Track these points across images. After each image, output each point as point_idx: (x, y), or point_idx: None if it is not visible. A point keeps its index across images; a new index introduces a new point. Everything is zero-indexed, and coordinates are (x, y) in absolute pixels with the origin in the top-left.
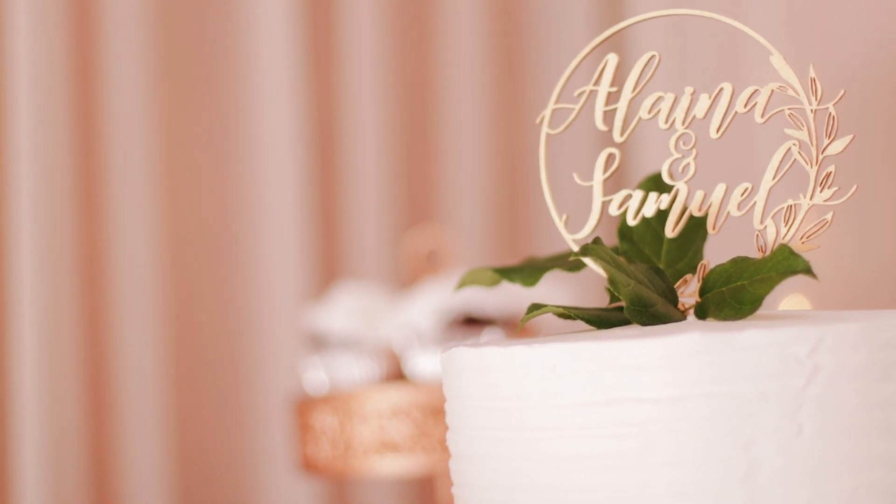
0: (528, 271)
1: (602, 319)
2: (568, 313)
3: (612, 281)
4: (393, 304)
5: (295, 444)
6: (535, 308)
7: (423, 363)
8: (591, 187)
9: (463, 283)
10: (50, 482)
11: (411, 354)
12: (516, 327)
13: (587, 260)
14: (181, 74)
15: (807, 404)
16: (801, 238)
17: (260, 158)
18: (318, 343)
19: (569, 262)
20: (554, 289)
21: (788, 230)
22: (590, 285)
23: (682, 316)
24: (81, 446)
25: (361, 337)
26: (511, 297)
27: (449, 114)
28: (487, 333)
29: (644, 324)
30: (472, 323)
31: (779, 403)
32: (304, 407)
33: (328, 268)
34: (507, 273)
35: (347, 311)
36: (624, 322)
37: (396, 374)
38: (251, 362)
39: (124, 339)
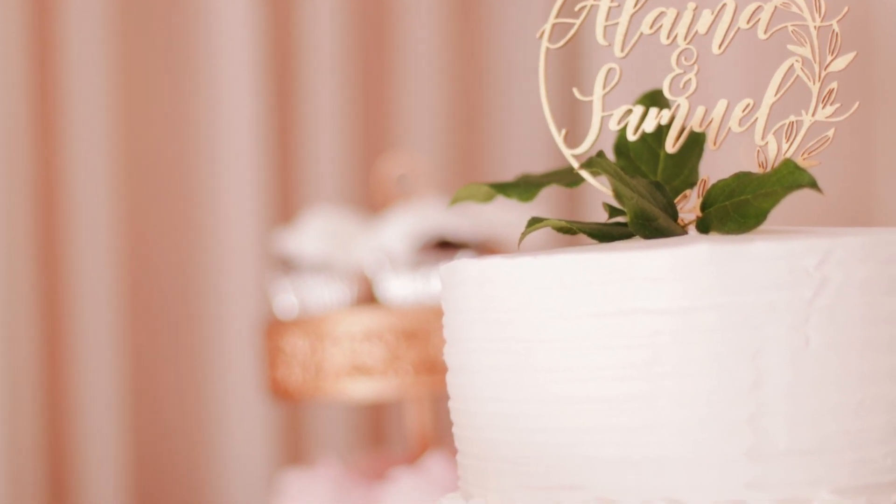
0: (525, 187)
1: (604, 233)
2: (570, 227)
3: (616, 193)
4: (364, 228)
5: (264, 368)
6: (535, 222)
7: (396, 287)
8: (589, 103)
9: (457, 199)
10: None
11: (383, 278)
12: (490, 251)
13: (585, 174)
14: (138, 2)
15: (814, 316)
16: (803, 154)
17: (218, 85)
18: (289, 267)
19: (565, 178)
20: (525, 214)
21: (790, 146)
22: (563, 212)
23: (683, 231)
24: (35, 371)
25: (333, 260)
26: (484, 220)
27: (407, 39)
28: (461, 257)
29: (647, 237)
30: (445, 246)
31: (787, 315)
32: (274, 330)
33: (290, 194)
34: (503, 188)
35: (318, 234)
36: (625, 236)
37: (368, 298)
38: (213, 289)
39: (82, 269)
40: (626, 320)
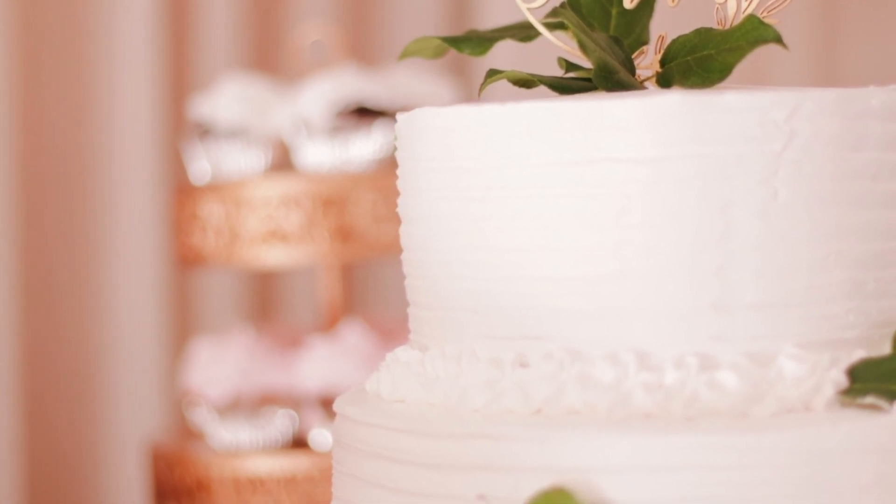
0: (477, 41)
1: (564, 86)
2: (530, 79)
3: (581, 45)
4: (281, 95)
5: (177, 234)
6: (493, 73)
7: (313, 153)
8: None
9: (406, 53)
10: None
11: (300, 144)
12: None
13: (541, 28)
14: None
15: (783, 169)
16: (763, 12)
17: None
18: (204, 132)
19: (519, 33)
20: (440, 86)
21: (749, 4)
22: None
23: (641, 86)
24: None
25: (248, 126)
26: (402, 88)
27: None
28: (379, 125)
29: (609, 90)
30: (363, 113)
31: (756, 167)
32: (188, 196)
33: (188, 62)
34: (454, 42)
35: (233, 99)
36: (585, 90)
37: (284, 165)
38: (109, 159)
39: None
40: (595, 169)
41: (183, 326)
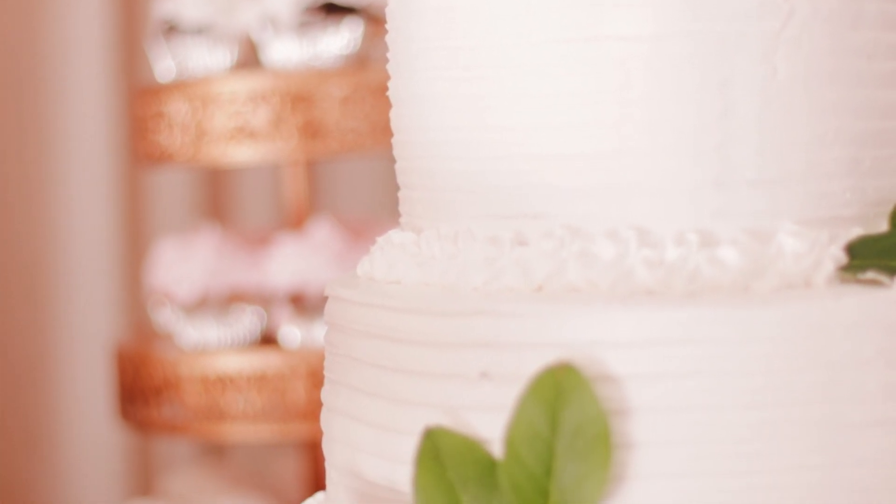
0: None
1: None
2: None
3: None
4: None
5: (143, 132)
6: None
7: (280, 50)
8: None
9: None
10: None
11: (267, 41)
12: (376, 19)
13: None
14: None
15: (782, 47)
16: None
17: None
18: (169, 30)
19: None
20: None
21: None
22: None
23: None
24: None
25: (214, 23)
26: None
27: None
28: (348, 22)
29: None
30: (331, 10)
31: (756, 45)
32: (153, 94)
33: None
34: None
35: None
36: None
37: (251, 62)
38: (59, 61)
39: None
40: (595, 46)
41: (141, 227)
